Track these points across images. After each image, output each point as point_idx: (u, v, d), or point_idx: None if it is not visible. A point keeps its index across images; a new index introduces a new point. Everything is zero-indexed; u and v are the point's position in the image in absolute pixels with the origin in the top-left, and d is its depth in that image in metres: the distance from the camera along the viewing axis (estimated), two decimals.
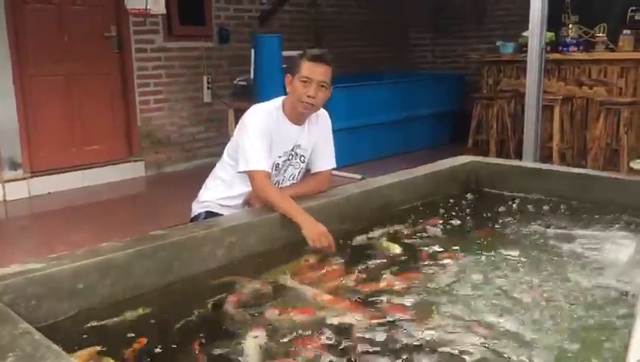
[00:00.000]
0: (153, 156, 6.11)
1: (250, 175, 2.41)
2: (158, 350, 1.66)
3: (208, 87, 6.29)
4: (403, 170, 3.23)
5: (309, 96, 2.40)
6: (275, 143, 2.47)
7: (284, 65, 5.80)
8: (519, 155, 5.75)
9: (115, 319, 1.83)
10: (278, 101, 2.55)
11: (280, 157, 2.52)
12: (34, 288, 1.76)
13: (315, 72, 2.39)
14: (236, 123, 5.82)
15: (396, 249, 2.36)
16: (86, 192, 5.45)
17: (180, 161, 6.33)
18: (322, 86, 2.42)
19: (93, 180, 5.58)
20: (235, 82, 6.35)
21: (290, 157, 2.57)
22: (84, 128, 5.63)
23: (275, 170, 2.53)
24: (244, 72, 6.32)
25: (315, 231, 2.26)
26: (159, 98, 6.10)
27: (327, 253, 2.26)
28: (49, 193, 5.29)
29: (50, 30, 5.33)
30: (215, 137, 6.52)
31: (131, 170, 5.90)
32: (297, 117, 2.51)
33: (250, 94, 5.97)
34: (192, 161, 6.41)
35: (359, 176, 5.17)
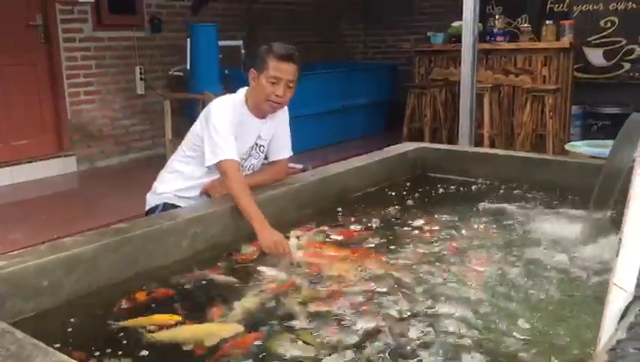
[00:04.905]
0: (85, 150, 5.88)
1: (221, 165, 2.35)
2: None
3: (141, 78, 6.11)
4: (343, 158, 3.25)
5: (277, 96, 2.39)
6: (240, 139, 2.44)
7: (220, 55, 5.74)
8: (451, 142, 5.96)
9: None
10: (240, 94, 2.52)
11: (244, 152, 2.52)
12: None
13: (283, 71, 2.37)
14: (173, 114, 5.75)
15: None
16: (15, 190, 5.18)
17: (113, 155, 6.13)
18: (289, 86, 2.41)
19: (22, 177, 5.31)
20: (171, 73, 6.21)
21: (252, 149, 2.56)
22: (10, 123, 5.33)
23: None
24: (178, 63, 6.20)
25: (270, 240, 2.20)
26: (90, 90, 5.87)
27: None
28: None
29: None
30: (149, 130, 6.34)
31: (63, 166, 5.66)
32: (261, 112, 2.50)
33: (187, 85, 5.87)
34: (126, 154, 6.21)
35: (301, 166, 5.19)
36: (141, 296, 1.87)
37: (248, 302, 1.83)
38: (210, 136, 2.37)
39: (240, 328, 1.67)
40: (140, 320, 1.72)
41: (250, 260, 2.16)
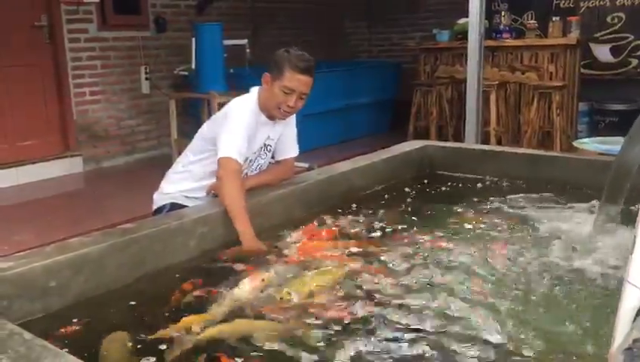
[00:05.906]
0: (91, 150, 5.89)
1: (221, 161, 2.32)
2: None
3: (147, 78, 6.11)
4: (347, 157, 3.23)
5: (288, 106, 2.37)
6: (251, 140, 2.43)
7: (225, 55, 5.72)
8: (458, 140, 5.93)
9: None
10: (254, 94, 2.50)
11: (254, 153, 2.51)
12: (5, 288, 1.68)
13: (299, 83, 2.35)
14: (178, 114, 5.74)
15: None
16: (21, 190, 5.19)
17: (119, 155, 6.13)
18: (302, 97, 2.40)
19: (28, 177, 5.31)
20: (176, 72, 6.20)
21: (260, 149, 2.55)
22: (15, 123, 5.34)
23: (246, 162, 2.49)
24: (183, 62, 6.18)
25: (253, 240, 2.19)
26: (95, 90, 5.88)
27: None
28: None
29: None
30: (155, 130, 6.35)
31: (69, 166, 5.66)
32: (271, 115, 2.50)
33: (192, 84, 5.86)
34: (132, 154, 6.22)
35: (307, 165, 5.18)
36: (188, 286, 1.90)
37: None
38: (224, 134, 2.34)
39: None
40: (174, 328, 1.67)
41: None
